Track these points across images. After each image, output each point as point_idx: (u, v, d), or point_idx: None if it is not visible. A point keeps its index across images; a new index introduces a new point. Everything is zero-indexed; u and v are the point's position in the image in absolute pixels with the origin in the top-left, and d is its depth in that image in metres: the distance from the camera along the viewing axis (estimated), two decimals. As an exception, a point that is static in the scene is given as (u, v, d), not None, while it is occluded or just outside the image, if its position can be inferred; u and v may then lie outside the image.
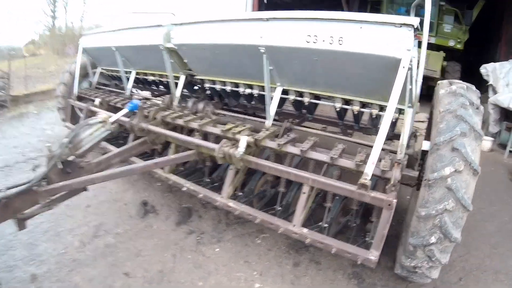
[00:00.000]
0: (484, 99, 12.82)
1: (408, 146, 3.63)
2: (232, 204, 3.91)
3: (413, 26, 2.96)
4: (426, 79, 9.29)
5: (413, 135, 4.25)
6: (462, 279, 3.99)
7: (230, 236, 4.50)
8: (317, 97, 4.15)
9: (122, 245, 4.27)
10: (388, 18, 3.04)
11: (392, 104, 3.02)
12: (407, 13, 14.63)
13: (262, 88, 4.30)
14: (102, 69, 7.20)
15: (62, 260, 3.98)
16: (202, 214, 4.97)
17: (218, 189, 4.27)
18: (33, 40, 29.66)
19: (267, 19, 3.62)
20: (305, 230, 3.43)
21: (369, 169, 2.97)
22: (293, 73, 3.95)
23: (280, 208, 4.16)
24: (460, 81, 3.55)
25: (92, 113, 5.69)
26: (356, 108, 3.87)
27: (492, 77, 10.21)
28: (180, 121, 4.52)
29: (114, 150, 4.55)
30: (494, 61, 11.26)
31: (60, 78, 7.32)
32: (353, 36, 3.20)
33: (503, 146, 8.75)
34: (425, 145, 3.53)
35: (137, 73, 6.21)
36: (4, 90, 13.28)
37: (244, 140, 3.65)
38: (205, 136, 4.54)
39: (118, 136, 6.17)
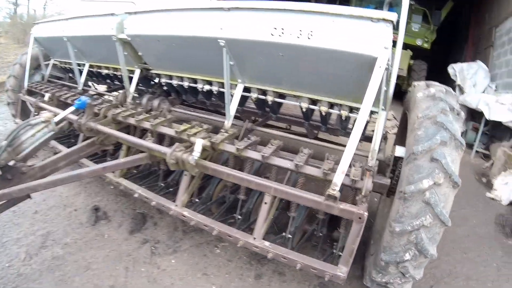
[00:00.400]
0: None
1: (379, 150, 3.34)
2: (187, 213, 3.53)
3: (392, 22, 2.65)
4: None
5: (383, 137, 3.94)
6: (433, 287, 3.88)
7: (187, 246, 4.12)
8: (282, 95, 3.79)
9: (70, 257, 3.81)
10: (364, 12, 2.71)
11: (366, 107, 2.71)
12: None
13: (222, 84, 3.92)
14: (55, 60, 6.61)
15: (6, 275, 3.51)
16: (157, 221, 4.56)
17: (173, 194, 3.90)
18: (-7, 28, 28.25)
19: (228, 9, 3.23)
20: (267, 244, 3.09)
21: (338, 179, 2.65)
22: (256, 69, 3.58)
23: (240, 217, 3.82)
24: (438, 83, 3.31)
25: (41, 109, 5.20)
26: (324, 109, 3.53)
27: (459, 77, 10.19)
28: (131, 120, 4.08)
29: (63, 150, 4.16)
30: (460, 62, 11.30)
31: (10, 71, 6.72)
32: (325, 31, 2.85)
33: (469, 146, 8.70)
34: (399, 152, 3.27)
35: (91, 66, 5.69)
36: None
37: (199, 143, 3.27)
38: (160, 136, 4.16)
39: (69, 135, 5.72)
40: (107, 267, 3.70)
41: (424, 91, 3.12)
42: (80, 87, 5.69)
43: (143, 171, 4.69)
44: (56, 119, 4.03)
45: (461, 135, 2.81)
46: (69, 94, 5.34)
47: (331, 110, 3.54)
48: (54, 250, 3.90)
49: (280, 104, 3.95)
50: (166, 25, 3.76)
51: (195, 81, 4.27)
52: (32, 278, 3.49)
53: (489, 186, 6.91)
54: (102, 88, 6.80)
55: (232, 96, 3.75)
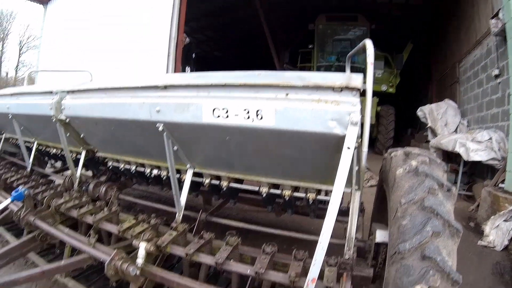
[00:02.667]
0: (420, 139, 12.68)
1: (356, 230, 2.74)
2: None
3: (358, 90, 2.12)
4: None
5: (360, 210, 3.31)
6: None
7: None
8: (238, 180, 3.19)
9: None
10: (323, 80, 2.19)
11: (337, 195, 2.10)
12: (337, 61, 14.22)
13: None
14: (7, 135, 5.93)
15: None
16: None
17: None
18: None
19: (165, 87, 2.66)
20: None
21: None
22: (204, 153, 3.02)
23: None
24: (418, 150, 2.78)
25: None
26: (287, 193, 2.95)
27: (429, 119, 9.82)
28: (74, 213, 3.44)
29: (11, 242, 3.62)
30: (426, 101, 10.99)
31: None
32: (277, 108, 2.29)
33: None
34: (380, 237, 2.67)
35: (39, 145, 5.04)
36: None
37: (142, 248, 2.61)
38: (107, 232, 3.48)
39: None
40: None
41: (404, 166, 2.58)
42: (28, 167, 5.01)
43: (95, 266, 3.94)
44: None
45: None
46: (16, 177, 4.65)
47: (296, 194, 2.96)
48: None
49: (237, 189, 3.31)
50: (102, 106, 3.16)
51: (142, 165, 3.67)
52: None
53: (478, 231, 6.31)
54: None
55: (180, 185, 3.15)
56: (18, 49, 43.61)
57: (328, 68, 14.57)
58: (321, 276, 2.16)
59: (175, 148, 2.92)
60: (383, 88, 13.92)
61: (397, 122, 13.80)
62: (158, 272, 2.64)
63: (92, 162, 4.43)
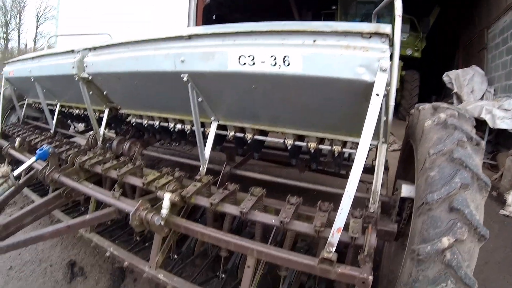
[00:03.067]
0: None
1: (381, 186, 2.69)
2: (162, 275, 2.85)
3: (387, 36, 2.04)
4: None
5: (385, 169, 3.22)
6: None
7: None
8: (263, 132, 3.15)
9: None
10: (352, 27, 2.11)
11: (364, 144, 2.06)
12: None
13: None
14: (30, 101, 6.02)
15: None
16: (137, 276, 3.85)
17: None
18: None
19: (189, 37, 2.60)
20: None
21: (335, 239, 2.00)
22: (229, 104, 2.96)
23: (223, 276, 3.14)
24: (446, 105, 2.66)
25: (11, 157, 4.61)
26: (312, 145, 2.89)
27: (455, 85, 9.54)
28: (98, 169, 3.46)
29: (36, 201, 3.62)
30: (453, 68, 10.65)
31: (-18, 114, 6.11)
32: (304, 54, 2.21)
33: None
34: (406, 191, 2.62)
35: (62, 106, 5.08)
36: None
37: (167, 199, 2.62)
38: (131, 185, 3.52)
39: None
40: None
41: (432, 118, 2.50)
42: (52, 129, 5.07)
43: (119, 222, 4.01)
44: (15, 173, 3.51)
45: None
46: (40, 138, 4.72)
47: (321, 146, 2.91)
48: None
49: (262, 142, 3.29)
50: (125, 60, 3.13)
51: (166, 120, 3.65)
52: None
53: (500, 200, 6.21)
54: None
55: (205, 137, 3.13)
56: (36, 21, 43.66)
57: (351, 31, 13.60)
58: (346, 227, 2.14)
59: (200, 99, 2.89)
60: (408, 52, 13.48)
61: (421, 88, 13.43)
62: (183, 223, 2.66)
63: (115, 121, 4.45)
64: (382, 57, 2.04)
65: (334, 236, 2.01)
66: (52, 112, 5.16)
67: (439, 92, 14.61)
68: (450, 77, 9.81)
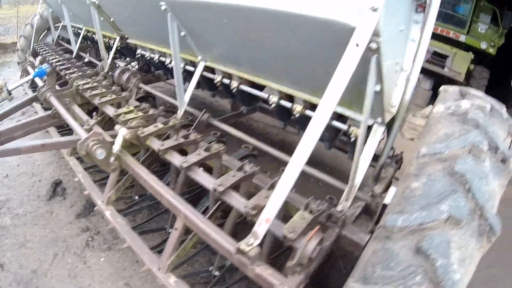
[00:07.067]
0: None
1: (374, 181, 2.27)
2: (108, 214, 2.78)
3: None
4: (447, 81, 7.71)
5: (395, 160, 2.46)
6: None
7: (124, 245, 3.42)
8: (250, 83, 2.83)
9: (14, 230, 3.53)
10: None
11: (322, 111, 1.54)
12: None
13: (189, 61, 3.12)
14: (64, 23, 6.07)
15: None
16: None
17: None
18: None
19: None
20: (171, 280, 2.19)
21: (261, 229, 1.62)
22: (212, 43, 2.71)
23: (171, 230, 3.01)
24: (480, 93, 1.94)
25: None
26: (298, 108, 2.51)
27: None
28: (86, 94, 3.42)
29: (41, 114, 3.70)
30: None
31: (22, 31, 6.38)
32: None
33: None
34: (389, 197, 1.88)
35: (87, 31, 5.08)
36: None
37: (120, 134, 2.51)
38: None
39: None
40: (39, 249, 3.31)
41: (449, 103, 1.82)
42: (74, 52, 5.11)
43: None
44: (10, 87, 3.65)
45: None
46: (58, 59, 4.76)
47: (308, 112, 2.49)
48: (4, 219, 3.66)
49: (251, 94, 2.91)
50: None
51: (164, 54, 3.51)
52: (-28, 243, 3.30)
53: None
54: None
55: (187, 74, 2.95)
56: None
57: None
58: (287, 219, 1.80)
59: (182, 33, 2.67)
60: (483, 45, 11.96)
61: (488, 89, 12.22)
62: (132, 164, 2.52)
63: (127, 50, 4.39)
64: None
65: (261, 226, 1.63)
66: (77, 35, 5.18)
67: (506, 99, 13.23)
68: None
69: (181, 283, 2.19)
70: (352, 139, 2.24)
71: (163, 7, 2.46)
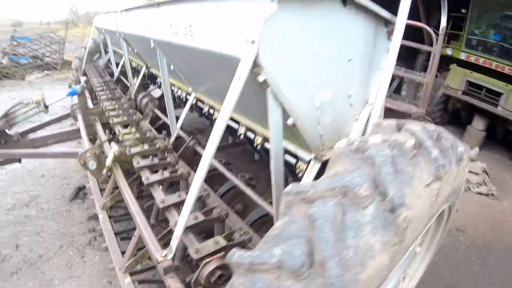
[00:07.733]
0: None
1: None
2: (100, 217, 3.22)
3: None
4: (505, 122, 7.29)
5: None
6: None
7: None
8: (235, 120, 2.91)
9: (36, 221, 4.21)
10: None
11: (210, 145, 1.66)
12: (503, 41, 8.19)
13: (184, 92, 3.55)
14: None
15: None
16: (120, 213, 4.41)
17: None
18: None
19: (158, 5, 2.64)
20: (126, 281, 2.46)
21: (173, 244, 1.83)
22: (196, 77, 3.05)
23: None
24: (418, 126, 1.65)
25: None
26: (258, 140, 2.57)
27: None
28: (107, 113, 3.95)
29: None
30: None
31: (77, 52, 7.18)
32: (207, 22, 1.89)
33: None
34: None
35: (131, 60, 5.72)
36: (58, 53, 14.15)
37: (112, 150, 2.97)
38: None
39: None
40: (49, 240, 3.91)
41: (354, 141, 1.61)
42: (115, 75, 5.79)
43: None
44: (48, 102, 4.15)
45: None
46: (97, 82, 5.36)
47: (267, 145, 2.52)
48: (30, 211, 4.38)
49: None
50: (140, 22, 3.27)
51: (173, 84, 3.95)
52: (1, 224, 4.08)
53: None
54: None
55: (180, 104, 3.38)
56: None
57: (485, 46, 8.25)
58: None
59: (172, 67, 3.07)
60: None
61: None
62: (120, 180, 2.91)
63: (151, 78, 4.98)
64: (256, 21, 1.40)
65: (174, 242, 1.81)
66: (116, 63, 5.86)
67: None
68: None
69: (132, 286, 2.43)
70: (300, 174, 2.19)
71: (152, 45, 2.85)
